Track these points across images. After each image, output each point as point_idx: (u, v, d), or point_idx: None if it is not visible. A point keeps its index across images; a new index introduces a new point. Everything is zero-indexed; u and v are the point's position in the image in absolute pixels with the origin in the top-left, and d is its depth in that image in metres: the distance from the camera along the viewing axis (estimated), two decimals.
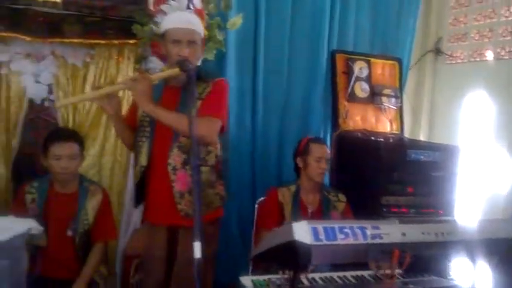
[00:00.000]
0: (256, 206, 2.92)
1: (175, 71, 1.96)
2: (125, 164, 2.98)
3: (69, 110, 2.85)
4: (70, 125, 2.85)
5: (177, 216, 2.06)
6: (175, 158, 2.04)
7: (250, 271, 2.79)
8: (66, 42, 2.74)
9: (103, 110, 2.06)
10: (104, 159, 2.95)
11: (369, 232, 1.62)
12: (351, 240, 1.59)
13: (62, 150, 2.29)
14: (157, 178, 2.09)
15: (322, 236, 1.54)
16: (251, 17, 3.14)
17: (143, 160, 2.11)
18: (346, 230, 1.59)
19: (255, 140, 3.28)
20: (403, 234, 1.69)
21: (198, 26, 2.13)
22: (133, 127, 2.18)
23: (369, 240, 1.62)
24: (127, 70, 2.92)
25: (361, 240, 1.61)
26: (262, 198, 2.91)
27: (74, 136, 2.40)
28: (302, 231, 1.53)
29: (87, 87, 2.86)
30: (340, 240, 1.57)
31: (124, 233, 2.95)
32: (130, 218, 3.00)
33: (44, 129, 2.85)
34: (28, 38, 2.66)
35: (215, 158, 2.11)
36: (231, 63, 3.13)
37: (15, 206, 2.33)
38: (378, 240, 1.63)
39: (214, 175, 2.11)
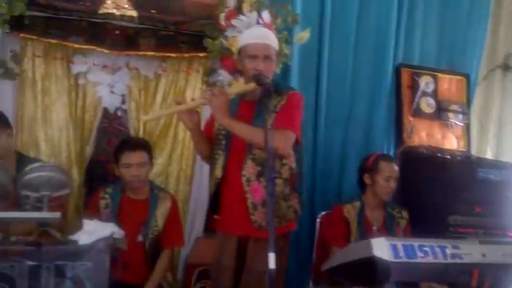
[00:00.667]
0: (317, 220, 2.93)
1: (251, 85, 2.00)
2: (190, 173, 3.06)
3: (141, 119, 2.97)
4: (140, 134, 2.96)
5: (250, 227, 2.09)
6: (249, 169, 2.07)
7: (310, 285, 2.80)
8: (140, 54, 2.86)
9: (183, 123, 2.13)
10: (171, 168, 3.04)
11: (448, 251, 1.60)
12: (430, 259, 1.57)
13: (131, 158, 2.40)
14: (232, 189, 2.13)
15: (401, 254, 1.53)
16: (316, 30, 3.14)
17: (218, 172, 2.16)
18: (425, 249, 1.58)
19: (316, 154, 3.25)
20: (483, 255, 1.66)
21: (274, 41, 2.17)
22: (210, 140, 2.23)
23: (449, 260, 1.60)
24: (195, 82, 3.01)
25: (440, 260, 1.59)
26: (324, 213, 2.91)
27: (142, 145, 2.49)
28: (381, 248, 1.53)
29: (158, 98, 2.98)
30: (420, 258, 1.55)
31: (187, 241, 3.02)
32: (193, 226, 3.07)
33: (116, 137, 3.01)
34: (105, 51, 2.80)
35: (289, 171, 2.13)
36: (294, 76, 3.15)
37: (90, 211, 2.42)
38: (457, 260, 1.61)
39: (288, 188, 2.13)
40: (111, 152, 2.96)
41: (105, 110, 2.95)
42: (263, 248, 2.02)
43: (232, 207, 2.14)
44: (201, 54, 2.93)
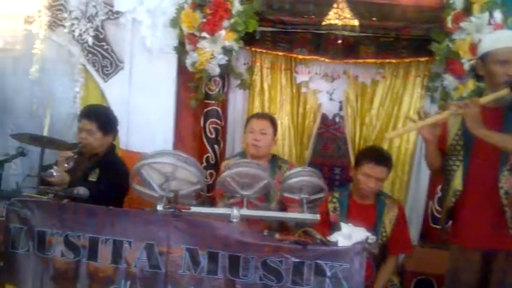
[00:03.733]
0: None
1: (504, 91, 1.92)
2: (406, 180, 3.05)
3: (357, 125, 3.05)
4: (357, 139, 3.04)
5: (505, 240, 1.99)
6: (506, 181, 1.98)
7: None
8: (360, 62, 2.93)
9: (422, 136, 2.11)
10: None
11: None
12: None
13: (373, 171, 2.46)
14: (481, 202, 2.04)
15: None
16: None
17: (458, 184, 2.08)
18: None
19: None
20: None
21: None
22: (442, 152, 2.17)
23: None
24: (413, 88, 2.97)
25: None
26: None
27: (386, 161, 2.53)
28: None
29: (375, 104, 3.02)
30: None
31: None
32: None
33: (331, 142, 3.13)
34: (327, 60, 2.93)
35: None
36: None
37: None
38: None
39: None
40: (327, 156, 3.13)
41: (323, 116, 3.09)
42: None
43: (481, 220, 2.04)
44: (422, 59, 2.89)
